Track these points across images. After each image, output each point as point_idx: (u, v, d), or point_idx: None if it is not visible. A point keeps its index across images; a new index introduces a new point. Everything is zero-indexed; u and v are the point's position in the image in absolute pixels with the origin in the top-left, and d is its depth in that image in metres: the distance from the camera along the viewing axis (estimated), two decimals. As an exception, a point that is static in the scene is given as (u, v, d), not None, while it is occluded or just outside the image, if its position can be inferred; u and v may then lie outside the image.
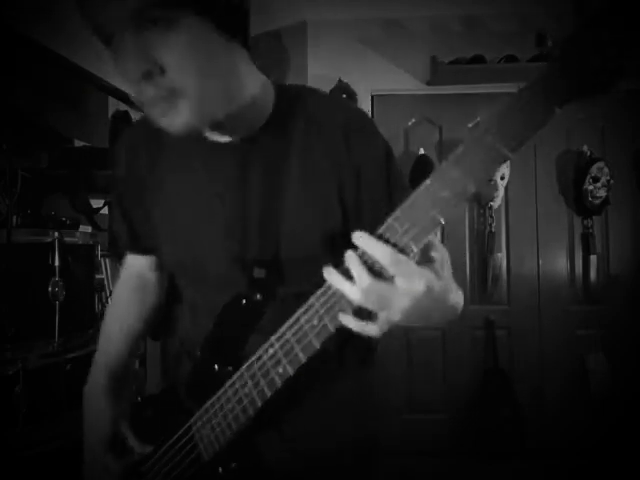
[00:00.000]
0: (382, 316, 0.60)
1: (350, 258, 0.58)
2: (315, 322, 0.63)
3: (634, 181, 2.92)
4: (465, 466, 2.76)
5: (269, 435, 0.80)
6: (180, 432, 0.80)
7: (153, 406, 0.87)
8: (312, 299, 0.64)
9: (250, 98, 0.74)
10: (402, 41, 3.00)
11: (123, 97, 1.95)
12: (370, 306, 0.59)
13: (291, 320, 0.66)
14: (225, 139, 0.78)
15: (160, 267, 0.96)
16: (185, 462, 0.80)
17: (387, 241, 0.57)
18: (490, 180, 2.83)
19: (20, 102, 1.65)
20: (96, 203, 2.18)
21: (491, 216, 2.93)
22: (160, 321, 1.03)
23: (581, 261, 2.95)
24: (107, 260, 2.26)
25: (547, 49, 0.51)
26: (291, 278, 0.73)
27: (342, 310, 0.61)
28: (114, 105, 2.23)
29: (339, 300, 0.61)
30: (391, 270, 0.57)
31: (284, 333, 0.67)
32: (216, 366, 0.77)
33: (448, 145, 3.04)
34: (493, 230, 2.93)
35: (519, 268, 2.98)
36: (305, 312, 0.64)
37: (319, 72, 2.98)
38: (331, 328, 0.62)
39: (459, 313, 0.74)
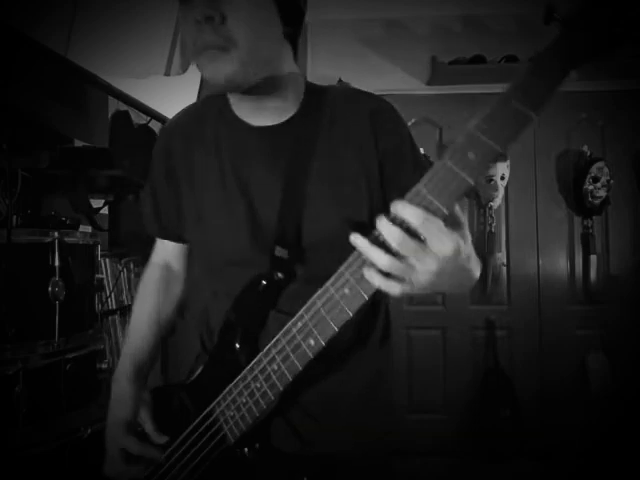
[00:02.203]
0: (408, 278, 0.60)
1: (381, 221, 0.59)
2: (346, 290, 0.63)
3: (634, 181, 2.92)
4: (465, 466, 2.77)
5: (293, 416, 0.81)
6: (201, 416, 0.80)
7: (170, 397, 0.88)
8: (341, 268, 0.64)
9: (286, 82, 0.81)
10: (402, 41, 3.00)
11: (123, 97, 1.95)
12: (397, 272, 0.59)
13: (320, 291, 0.66)
14: (257, 122, 0.83)
15: (185, 255, 1.01)
16: (209, 446, 0.80)
17: (417, 205, 0.58)
18: (490, 180, 2.83)
19: (20, 102, 1.64)
20: (96, 203, 2.18)
21: (491, 216, 2.93)
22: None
23: (581, 261, 2.95)
24: (107, 260, 2.26)
25: (555, 23, 0.54)
26: (313, 260, 0.74)
27: (370, 273, 0.60)
28: (114, 105, 2.23)
29: (370, 267, 0.61)
30: (422, 230, 0.57)
31: (314, 303, 0.67)
32: (237, 345, 0.78)
33: (448, 145, 3.05)
34: (493, 230, 2.93)
35: (519, 268, 2.98)
36: (335, 282, 0.65)
37: (319, 72, 2.98)
38: (364, 294, 0.62)
39: (474, 282, 0.74)
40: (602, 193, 2.82)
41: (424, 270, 0.59)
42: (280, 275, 0.78)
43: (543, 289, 2.96)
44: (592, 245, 2.90)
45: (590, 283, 2.91)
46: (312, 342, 0.68)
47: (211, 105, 0.89)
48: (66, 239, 1.59)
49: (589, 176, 2.82)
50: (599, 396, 2.84)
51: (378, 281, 0.60)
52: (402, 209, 0.58)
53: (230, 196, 0.83)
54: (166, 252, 1.01)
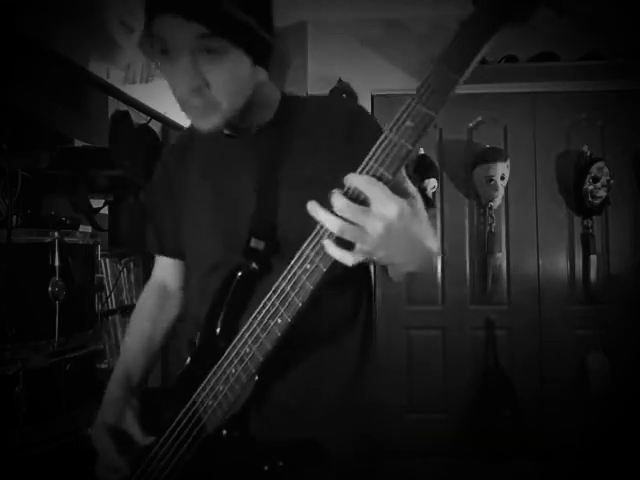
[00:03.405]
0: (358, 246, 0.64)
1: (333, 193, 0.64)
2: (307, 265, 0.68)
3: (634, 181, 2.92)
4: (465, 466, 2.77)
5: (271, 406, 0.83)
6: (185, 409, 0.83)
7: (157, 399, 0.91)
8: (303, 247, 0.69)
9: (260, 103, 0.88)
10: (402, 41, 3.00)
11: (123, 97, 1.96)
12: (348, 235, 0.63)
13: (285, 271, 0.71)
14: (233, 133, 0.91)
15: (183, 272, 1.06)
16: (190, 437, 0.82)
17: (365, 174, 0.65)
18: (490, 180, 2.83)
19: (20, 102, 1.64)
20: (96, 203, 2.18)
21: (491, 216, 2.93)
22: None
23: (581, 261, 2.95)
24: (107, 260, 2.26)
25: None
26: (288, 254, 0.76)
27: (327, 242, 0.65)
28: (114, 105, 2.23)
29: (327, 238, 0.65)
30: (366, 192, 0.62)
31: (279, 284, 0.72)
32: (217, 335, 0.82)
33: (448, 145, 3.05)
34: (493, 230, 2.93)
35: (519, 268, 2.98)
36: (297, 259, 0.70)
37: (319, 72, 2.99)
38: (322, 267, 0.67)
39: (434, 263, 0.80)
40: (602, 193, 2.82)
41: (370, 232, 0.62)
42: (254, 266, 0.83)
43: (543, 289, 2.96)
44: (592, 245, 2.90)
45: (590, 283, 2.91)
46: (279, 320, 0.72)
47: None
48: (66, 239, 1.59)
49: (589, 176, 2.82)
50: (599, 396, 2.84)
51: (332, 249, 0.64)
52: (350, 178, 0.64)
53: (210, 204, 0.91)
54: (164, 271, 1.08)
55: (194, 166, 0.95)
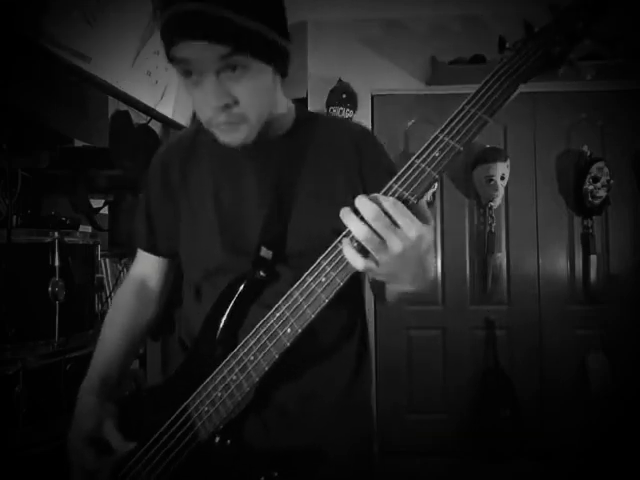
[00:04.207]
0: (375, 256, 0.65)
1: (359, 199, 0.65)
2: (323, 279, 0.69)
3: (634, 181, 2.92)
4: (465, 466, 2.77)
5: (267, 413, 0.83)
6: (175, 414, 0.81)
7: (141, 404, 0.88)
8: (319, 259, 0.70)
9: (279, 114, 0.90)
10: (402, 41, 3.00)
11: (123, 97, 1.95)
12: (371, 245, 0.64)
13: (298, 282, 0.71)
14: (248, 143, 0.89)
15: (165, 272, 1.05)
16: (181, 443, 0.80)
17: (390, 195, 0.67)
18: (490, 180, 2.83)
19: (20, 102, 1.64)
20: (96, 203, 2.18)
21: (491, 216, 2.93)
22: (160, 323, 1.05)
23: (581, 261, 2.95)
24: (107, 260, 2.26)
25: (507, 51, 0.69)
26: (297, 265, 0.77)
27: (350, 265, 0.67)
28: (114, 105, 2.23)
29: (348, 244, 0.66)
30: (392, 212, 0.64)
31: (291, 294, 0.72)
32: (216, 341, 0.81)
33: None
34: (493, 230, 2.93)
35: (519, 268, 2.98)
36: (312, 272, 0.70)
37: (319, 72, 2.98)
38: (339, 281, 0.68)
39: (427, 284, 0.80)
40: (602, 193, 2.82)
41: (390, 248, 0.64)
42: (262, 274, 0.82)
43: (543, 289, 2.96)
44: (592, 245, 2.90)
45: (590, 283, 2.91)
46: (289, 330, 0.72)
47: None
48: (66, 239, 1.59)
49: (589, 176, 2.82)
50: (599, 396, 2.84)
51: (347, 249, 0.65)
52: (377, 198, 0.65)
53: (218, 208, 0.90)
54: (145, 268, 1.05)
55: (199, 168, 0.94)
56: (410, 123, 3.03)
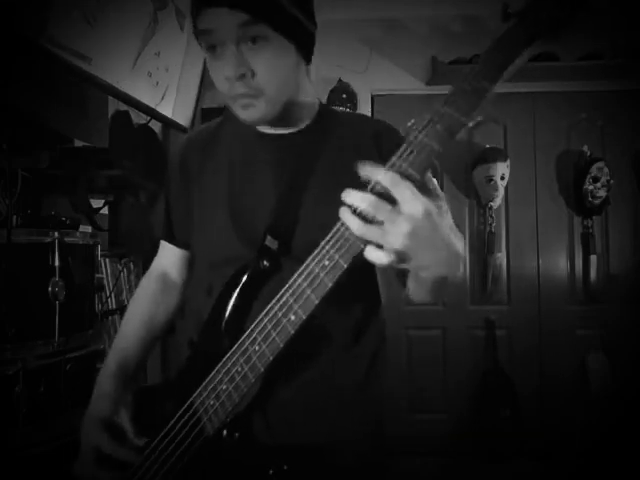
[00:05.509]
0: (386, 246, 0.62)
1: (345, 192, 0.63)
2: (326, 262, 0.67)
3: (634, 181, 2.93)
4: (465, 466, 2.77)
5: (273, 410, 0.82)
6: (182, 409, 0.80)
7: (153, 397, 0.88)
8: (322, 243, 0.67)
9: (301, 103, 0.90)
10: (402, 41, 3.00)
11: (123, 97, 1.95)
12: (368, 236, 0.62)
13: (301, 268, 0.69)
14: (269, 130, 0.91)
15: (186, 264, 1.05)
16: (188, 438, 0.79)
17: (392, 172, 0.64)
18: (490, 180, 2.83)
19: (20, 102, 1.64)
20: (96, 203, 2.18)
21: (491, 216, 2.93)
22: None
23: (581, 261, 2.95)
24: (107, 260, 2.26)
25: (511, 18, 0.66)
26: (304, 256, 0.75)
27: (353, 247, 0.64)
28: (114, 105, 2.23)
29: (349, 237, 0.65)
30: (394, 192, 0.61)
31: (294, 281, 0.70)
32: (221, 333, 0.80)
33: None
34: (493, 230, 2.93)
35: (519, 268, 2.98)
36: (315, 257, 0.68)
37: (319, 72, 2.98)
38: (343, 263, 0.66)
39: (461, 266, 0.75)
40: (602, 193, 2.82)
41: (397, 232, 0.61)
42: (266, 263, 0.81)
43: (543, 289, 2.96)
44: (592, 245, 2.90)
45: (590, 283, 2.91)
46: (292, 317, 0.70)
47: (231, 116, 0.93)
48: (66, 239, 1.59)
49: (589, 176, 2.82)
50: (599, 396, 2.84)
51: (368, 250, 0.63)
52: (376, 172, 0.62)
53: (230, 199, 0.89)
54: (167, 259, 1.05)
55: (217, 159, 0.95)
56: (410, 123, 3.02)
